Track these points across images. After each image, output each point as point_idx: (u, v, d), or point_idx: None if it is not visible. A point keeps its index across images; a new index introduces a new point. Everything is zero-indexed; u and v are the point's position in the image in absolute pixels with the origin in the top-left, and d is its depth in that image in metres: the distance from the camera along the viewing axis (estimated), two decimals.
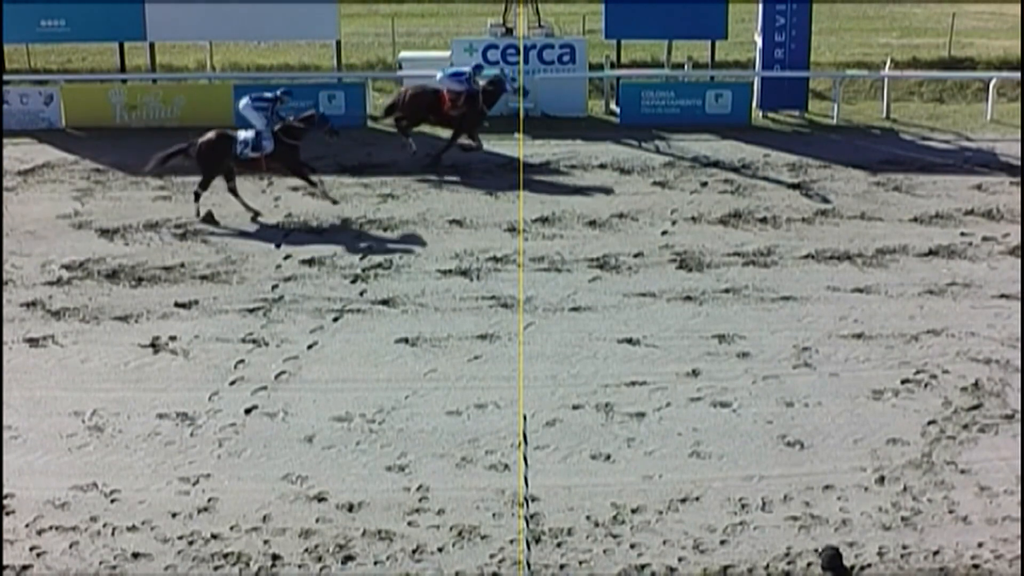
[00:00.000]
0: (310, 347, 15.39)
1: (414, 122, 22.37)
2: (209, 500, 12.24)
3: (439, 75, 22.48)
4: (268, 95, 20.13)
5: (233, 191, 19.69)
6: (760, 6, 24.87)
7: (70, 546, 11.54)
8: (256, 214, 19.56)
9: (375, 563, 11.36)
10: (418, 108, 22.15)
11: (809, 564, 11.22)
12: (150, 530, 11.75)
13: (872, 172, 21.55)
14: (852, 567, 10.76)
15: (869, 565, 11.22)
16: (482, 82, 22.16)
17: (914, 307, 16.42)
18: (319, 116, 20.29)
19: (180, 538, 11.64)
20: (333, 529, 11.81)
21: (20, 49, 27.01)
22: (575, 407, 13.94)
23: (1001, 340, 15.45)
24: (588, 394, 14.21)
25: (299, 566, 11.31)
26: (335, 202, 19.91)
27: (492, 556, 11.41)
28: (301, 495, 12.34)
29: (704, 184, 20.97)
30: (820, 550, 9.61)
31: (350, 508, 12.12)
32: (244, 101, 20.08)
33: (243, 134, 19.62)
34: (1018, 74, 25.55)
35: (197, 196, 19.55)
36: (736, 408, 13.93)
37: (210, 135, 19.66)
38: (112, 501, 12.23)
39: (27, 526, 11.80)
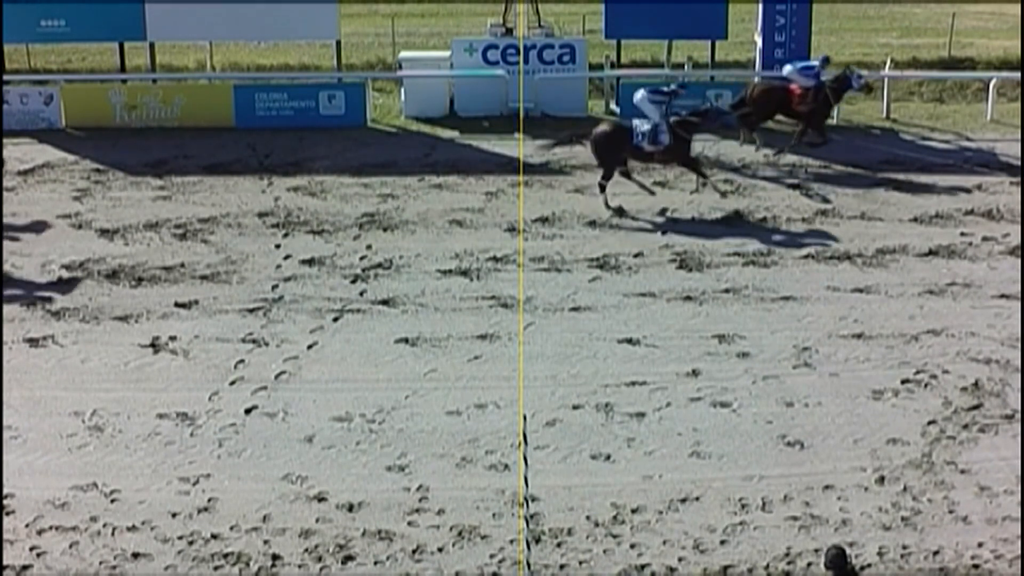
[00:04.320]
0: (310, 347, 15.39)
1: (761, 118, 22.34)
2: (209, 500, 12.25)
3: (787, 68, 22.51)
4: (665, 89, 20.30)
5: (626, 175, 20.03)
6: (760, 6, 24.88)
7: (70, 546, 11.54)
8: (651, 191, 19.93)
9: (375, 563, 11.36)
10: (767, 103, 22.18)
11: (809, 564, 11.23)
12: (150, 530, 11.76)
13: (872, 172, 21.56)
14: (853, 567, 10.73)
15: (869, 565, 11.22)
16: (826, 77, 22.17)
17: (914, 307, 16.43)
18: (714, 110, 20.46)
19: (180, 538, 11.64)
20: (333, 529, 11.81)
21: (20, 49, 27.00)
22: (575, 407, 13.94)
23: (1001, 340, 15.45)
24: (588, 394, 14.21)
25: (299, 566, 11.32)
26: (723, 195, 20.07)
27: (492, 556, 11.42)
28: (301, 495, 12.34)
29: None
30: (825, 549, 9.58)
31: (350, 508, 12.12)
32: (640, 94, 20.19)
33: (639, 124, 19.77)
34: (1018, 74, 25.55)
35: (602, 188, 19.89)
36: (736, 408, 13.94)
37: (605, 126, 20.06)
38: (112, 501, 12.23)
39: (27, 526, 11.80)
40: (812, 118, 22.15)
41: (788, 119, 22.63)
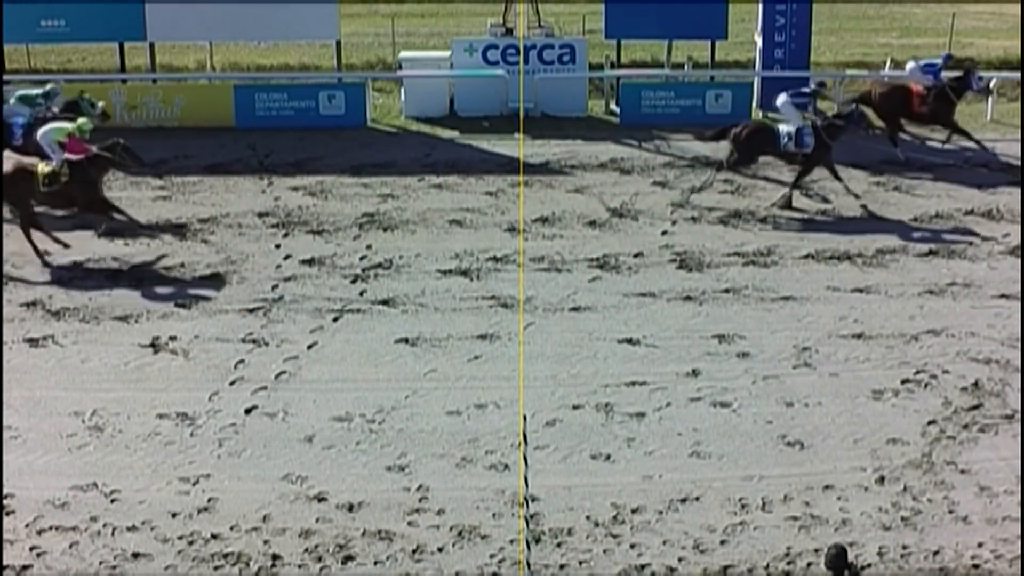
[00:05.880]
0: (310, 347, 15.39)
1: (892, 121, 22.26)
2: (209, 500, 12.25)
3: (910, 66, 22.61)
4: (805, 90, 20.26)
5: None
6: (760, 6, 24.88)
7: (70, 546, 11.55)
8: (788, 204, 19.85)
9: (375, 563, 11.36)
10: (890, 105, 22.17)
11: (809, 564, 11.23)
12: (150, 530, 11.76)
13: (872, 172, 21.54)
14: (852, 564, 10.74)
15: (869, 565, 11.22)
16: (945, 75, 22.20)
17: (914, 307, 16.43)
18: (858, 112, 20.38)
19: (180, 538, 11.65)
20: (333, 529, 11.81)
21: (20, 49, 27.01)
22: (575, 407, 13.94)
23: (1001, 340, 15.46)
24: (588, 394, 14.21)
25: (299, 566, 11.32)
26: (859, 197, 19.95)
27: (492, 556, 11.42)
28: (301, 495, 12.34)
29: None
30: (826, 548, 9.59)
31: (350, 508, 12.12)
32: (783, 98, 20.13)
33: (784, 127, 19.79)
34: (1018, 74, 25.54)
35: (727, 167, 20.24)
36: (736, 408, 13.94)
37: (752, 124, 20.29)
38: (112, 501, 12.23)
39: (27, 526, 11.80)
40: (939, 119, 22.17)
41: (911, 121, 22.59)
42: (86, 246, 18.39)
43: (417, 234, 18.97)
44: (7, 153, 19.00)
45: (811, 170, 19.98)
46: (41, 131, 18.29)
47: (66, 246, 17.99)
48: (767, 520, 11.90)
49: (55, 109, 20.56)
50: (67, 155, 17.91)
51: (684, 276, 17.41)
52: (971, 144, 22.41)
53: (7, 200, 17.98)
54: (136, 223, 18.71)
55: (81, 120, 18.59)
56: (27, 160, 18.28)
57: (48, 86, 21.23)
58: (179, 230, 19.02)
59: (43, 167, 17.84)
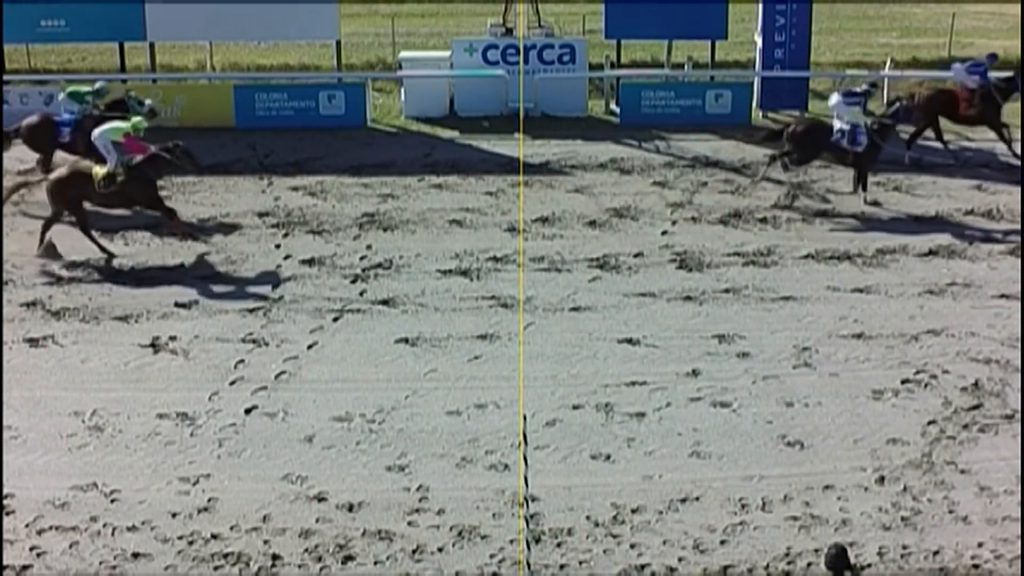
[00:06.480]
0: (310, 347, 15.40)
1: (927, 124, 22.12)
2: (209, 500, 12.25)
3: (956, 66, 22.48)
4: (857, 90, 20.28)
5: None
6: (760, 6, 24.86)
7: (70, 546, 11.55)
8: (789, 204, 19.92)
9: (375, 563, 11.37)
10: (932, 109, 22.03)
11: (809, 564, 11.23)
12: (150, 530, 11.76)
13: (872, 172, 21.52)
14: (854, 565, 10.75)
15: (869, 565, 11.23)
16: (993, 77, 22.01)
17: (914, 307, 16.43)
18: (903, 108, 20.33)
19: (180, 538, 11.65)
20: (333, 529, 11.82)
21: (20, 49, 26.98)
22: (575, 407, 13.94)
23: (1001, 340, 15.46)
24: (588, 394, 14.21)
25: (299, 566, 11.32)
26: (876, 204, 19.97)
27: (492, 556, 11.42)
28: (301, 495, 12.34)
29: (704, 184, 20.97)
30: (826, 548, 9.59)
31: (350, 508, 12.13)
32: (835, 99, 20.20)
33: (838, 124, 19.84)
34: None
35: (783, 166, 20.25)
36: (736, 408, 13.94)
37: (808, 121, 20.53)
38: (112, 501, 12.24)
39: (27, 526, 11.81)
40: (986, 120, 22.02)
41: (957, 123, 22.43)
42: (86, 246, 18.35)
43: (417, 234, 18.97)
44: (61, 156, 18.92)
45: (864, 170, 19.93)
46: (97, 132, 18.25)
47: (112, 256, 17.95)
48: (767, 520, 11.91)
49: (102, 107, 20.48)
50: (129, 155, 17.88)
51: (684, 276, 17.41)
52: (996, 146, 22.35)
53: (63, 204, 17.89)
54: (188, 224, 18.81)
55: (136, 119, 18.55)
56: (83, 163, 18.28)
57: (97, 84, 21.18)
58: (228, 228, 19.05)
59: (98, 169, 17.83)
